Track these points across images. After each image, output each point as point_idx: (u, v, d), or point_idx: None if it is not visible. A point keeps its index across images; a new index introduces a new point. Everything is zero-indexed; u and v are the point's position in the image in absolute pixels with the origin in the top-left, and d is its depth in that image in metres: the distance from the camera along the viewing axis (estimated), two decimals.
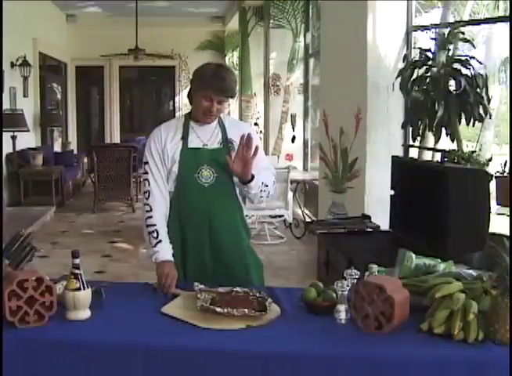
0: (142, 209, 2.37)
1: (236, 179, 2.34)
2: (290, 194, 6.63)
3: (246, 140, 2.22)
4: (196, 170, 2.30)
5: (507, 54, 5.02)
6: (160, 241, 2.28)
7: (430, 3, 6.93)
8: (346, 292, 1.88)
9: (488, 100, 3.71)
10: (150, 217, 2.32)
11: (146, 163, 2.36)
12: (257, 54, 10.16)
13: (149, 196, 2.33)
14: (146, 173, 2.35)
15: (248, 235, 2.52)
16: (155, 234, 2.29)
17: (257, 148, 2.25)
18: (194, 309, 1.92)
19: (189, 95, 2.39)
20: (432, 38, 4.07)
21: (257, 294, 1.97)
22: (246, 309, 1.86)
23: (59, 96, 11.87)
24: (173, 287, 2.15)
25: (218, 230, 2.34)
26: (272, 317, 1.89)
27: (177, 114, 12.98)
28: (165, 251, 2.28)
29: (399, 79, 4.14)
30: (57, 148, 10.88)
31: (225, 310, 1.85)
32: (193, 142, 2.34)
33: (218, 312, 1.86)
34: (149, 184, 2.34)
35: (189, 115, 2.40)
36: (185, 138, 2.33)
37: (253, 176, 2.28)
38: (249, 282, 2.35)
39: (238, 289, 2.01)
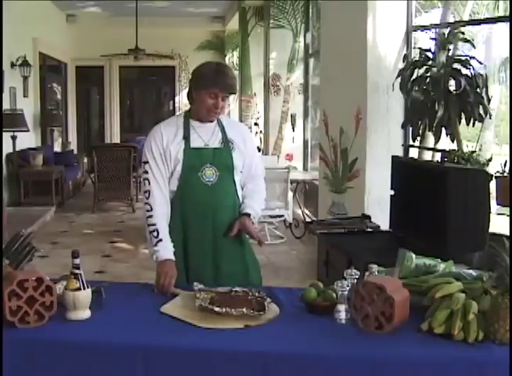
0: (143, 208, 2.36)
1: (237, 178, 2.39)
2: (290, 194, 6.62)
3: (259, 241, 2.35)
4: (200, 169, 2.31)
5: (507, 54, 5.02)
6: (161, 240, 2.28)
7: (430, 3, 6.93)
8: (346, 292, 1.89)
9: (488, 100, 3.71)
10: (151, 216, 2.31)
11: (146, 162, 2.34)
12: (257, 54, 10.15)
13: (149, 195, 2.32)
14: (146, 172, 2.33)
15: None
16: (155, 233, 2.29)
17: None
18: (193, 308, 1.92)
19: (189, 95, 2.38)
20: (432, 38, 4.07)
21: (257, 294, 1.97)
22: (244, 309, 1.86)
23: (59, 96, 11.85)
24: (171, 287, 2.15)
25: (220, 228, 2.35)
26: (271, 317, 1.89)
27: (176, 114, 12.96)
28: (166, 249, 2.28)
29: (399, 79, 4.13)
30: (57, 148, 10.87)
31: (224, 310, 1.85)
32: (195, 141, 2.34)
33: (216, 312, 1.86)
34: (149, 183, 2.33)
35: (188, 114, 2.40)
36: (187, 137, 2.33)
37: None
38: (248, 280, 2.37)
39: (237, 289, 2.01)
